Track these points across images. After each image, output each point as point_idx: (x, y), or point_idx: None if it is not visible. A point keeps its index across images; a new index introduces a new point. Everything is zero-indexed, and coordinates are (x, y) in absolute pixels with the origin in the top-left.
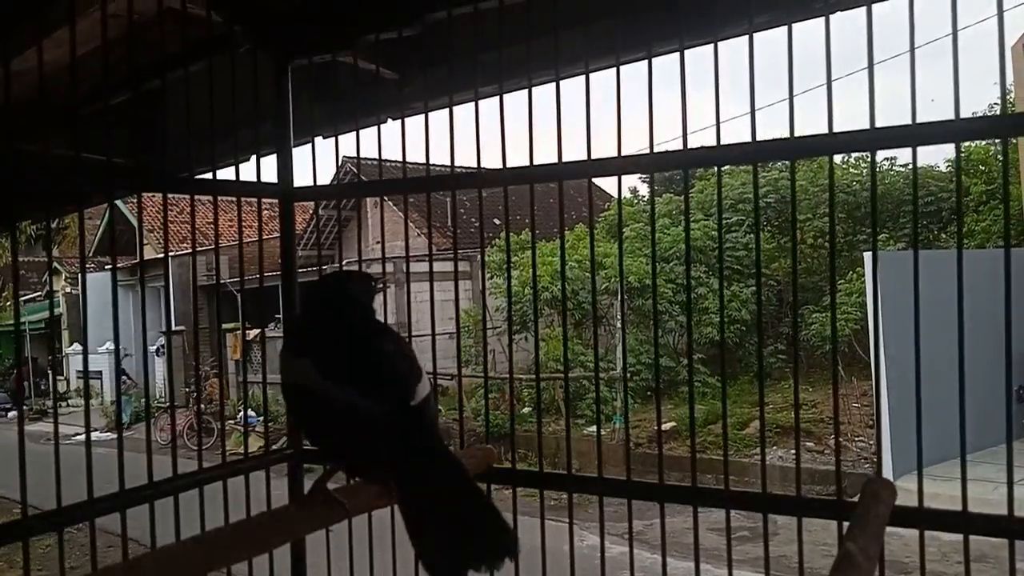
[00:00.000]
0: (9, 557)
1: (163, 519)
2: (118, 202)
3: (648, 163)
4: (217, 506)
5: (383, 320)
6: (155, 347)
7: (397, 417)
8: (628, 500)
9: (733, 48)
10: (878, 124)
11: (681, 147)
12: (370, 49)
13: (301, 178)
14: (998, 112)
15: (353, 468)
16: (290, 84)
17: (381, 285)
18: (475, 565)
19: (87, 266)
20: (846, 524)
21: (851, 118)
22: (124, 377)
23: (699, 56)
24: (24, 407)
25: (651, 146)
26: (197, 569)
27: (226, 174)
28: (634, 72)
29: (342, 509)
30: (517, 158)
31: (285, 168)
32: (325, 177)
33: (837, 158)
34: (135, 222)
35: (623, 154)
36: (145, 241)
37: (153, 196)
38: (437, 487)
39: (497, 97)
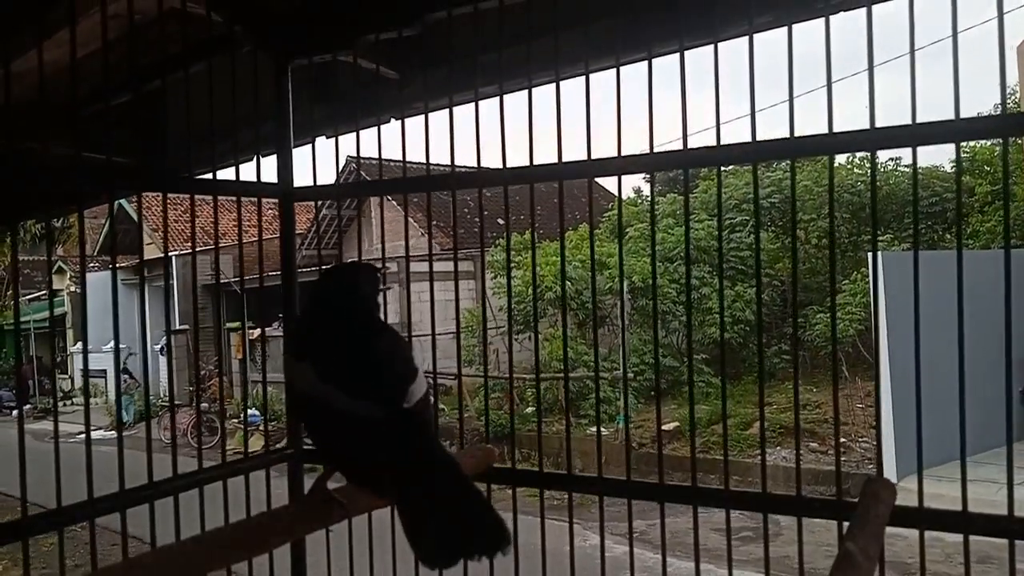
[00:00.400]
0: (14, 555)
1: (163, 519)
2: (122, 201)
3: (648, 163)
4: (217, 506)
5: (385, 317)
6: (159, 346)
7: (394, 421)
8: (628, 500)
9: (733, 49)
10: (878, 124)
11: (681, 147)
12: (370, 49)
13: (302, 179)
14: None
15: (350, 472)
16: (290, 84)
17: (384, 286)
18: (468, 554)
19: (91, 265)
20: (847, 524)
21: (851, 119)
22: (126, 376)
23: (699, 57)
24: (28, 405)
25: (651, 146)
26: (197, 569)
27: (226, 174)
28: (634, 72)
29: (342, 509)
30: (517, 158)
31: (285, 168)
32: (326, 178)
33: (841, 158)
34: (137, 218)
35: (623, 154)
36: (148, 240)
37: (156, 195)
38: (434, 490)
39: (497, 97)
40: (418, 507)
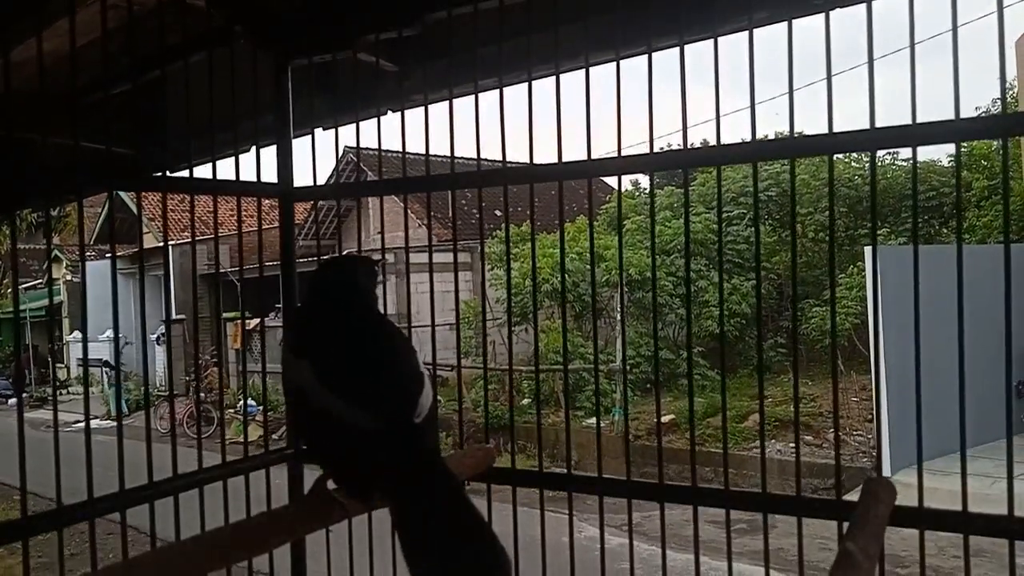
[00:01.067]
0: (12, 545)
1: (163, 517)
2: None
3: (648, 163)
4: (218, 501)
5: (384, 310)
6: (155, 336)
7: (397, 432)
8: (628, 500)
9: (733, 43)
10: (879, 118)
11: (681, 144)
12: (370, 48)
13: (301, 171)
14: (1000, 107)
15: (343, 478)
16: (290, 84)
17: (381, 277)
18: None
19: (88, 254)
20: (846, 524)
21: (852, 115)
22: (108, 369)
23: (699, 51)
24: (25, 394)
25: (651, 146)
26: (197, 569)
27: (226, 165)
28: (634, 68)
29: (342, 509)
30: (517, 152)
31: (285, 168)
32: (326, 167)
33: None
34: (136, 209)
35: (623, 153)
36: (146, 230)
37: None
38: (432, 506)
39: (497, 90)
40: (414, 522)
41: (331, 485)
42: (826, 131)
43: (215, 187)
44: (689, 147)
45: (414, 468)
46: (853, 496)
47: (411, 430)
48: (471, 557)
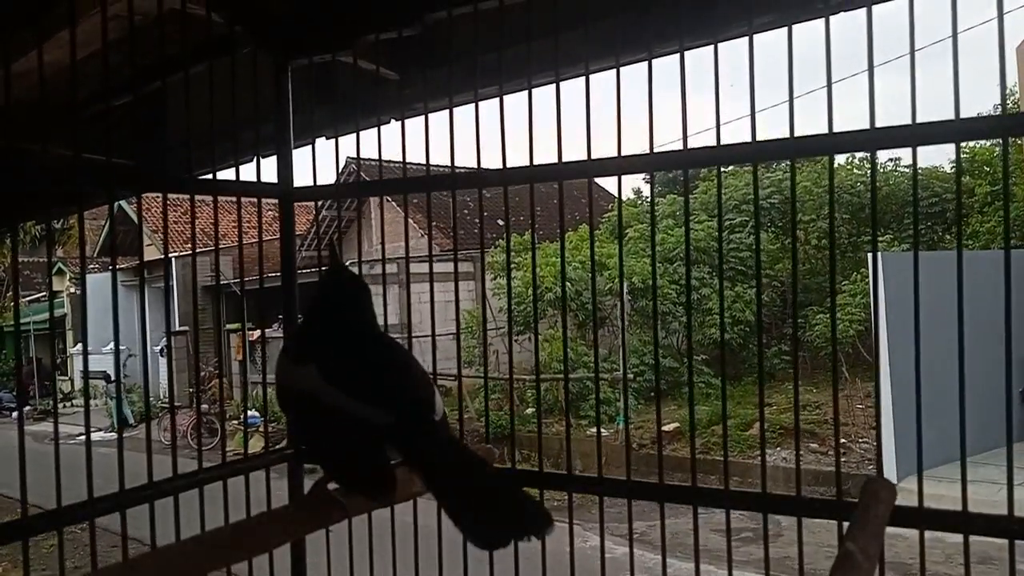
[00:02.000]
0: (14, 557)
1: (163, 519)
2: (122, 202)
3: (648, 163)
4: (217, 506)
5: (385, 318)
6: (159, 348)
7: (417, 424)
8: (628, 500)
9: (733, 48)
10: (879, 122)
11: (681, 147)
12: (370, 49)
13: (302, 181)
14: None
15: (349, 477)
16: (290, 84)
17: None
18: (518, 535)
19: (91, 266)
20: (847, 524)
21: (851, 119)
22: (106, 383)
23: (699, 57)
24: (28, 407)
25: (651, 146)
26: (197, 569)
27: (226, 176)
28: (634, 74)
29: (342, 509)
30: (518, 159)
31: (285, 168)
32: (326, 179)
33: (841, 159)
34: (137, 219)
35: (623, 154)
36: (148, 242)
37: (156, 197)
38: (471, 472)
39: (497, 98)
40: (452, 488)
41: (331, 485)
42: (826, 131)
43: (215, 187)
44: (689, 148)
45: (437, 443)
46: None
47: (431, 425)
48: (521, 510)
